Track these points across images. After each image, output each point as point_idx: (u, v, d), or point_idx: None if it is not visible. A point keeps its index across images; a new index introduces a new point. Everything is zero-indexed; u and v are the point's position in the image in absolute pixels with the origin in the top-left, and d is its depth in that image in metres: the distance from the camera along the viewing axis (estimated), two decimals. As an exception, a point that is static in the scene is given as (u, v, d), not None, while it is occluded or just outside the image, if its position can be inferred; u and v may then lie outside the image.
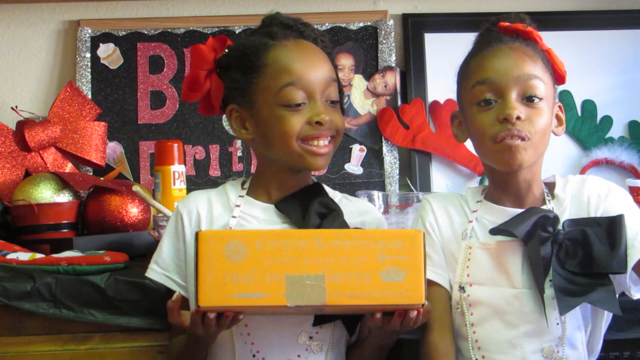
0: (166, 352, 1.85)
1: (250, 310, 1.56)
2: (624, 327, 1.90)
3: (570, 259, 1.69)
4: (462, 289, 1.74)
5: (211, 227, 1.76)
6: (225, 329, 1.60)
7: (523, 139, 1.68)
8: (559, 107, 1.79)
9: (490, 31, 1.79)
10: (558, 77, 1.78)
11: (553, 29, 2.64)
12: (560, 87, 2.60)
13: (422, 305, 1.54)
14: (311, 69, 1.72)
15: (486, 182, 1.89)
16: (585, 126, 2.64)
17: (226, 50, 1.77)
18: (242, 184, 1.82)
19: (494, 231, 1.71)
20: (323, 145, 1.72)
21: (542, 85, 1.71)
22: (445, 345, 1.74)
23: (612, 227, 1.68)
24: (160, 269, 1.78)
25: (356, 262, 1.52)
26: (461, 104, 1.81)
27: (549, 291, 1.69)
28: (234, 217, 1.75)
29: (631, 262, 1.67)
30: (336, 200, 1.79)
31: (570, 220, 1.72)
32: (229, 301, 1.51)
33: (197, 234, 1.52)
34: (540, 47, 1.76)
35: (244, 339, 1.70)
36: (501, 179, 1.77)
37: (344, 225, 1.72)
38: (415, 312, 1.57)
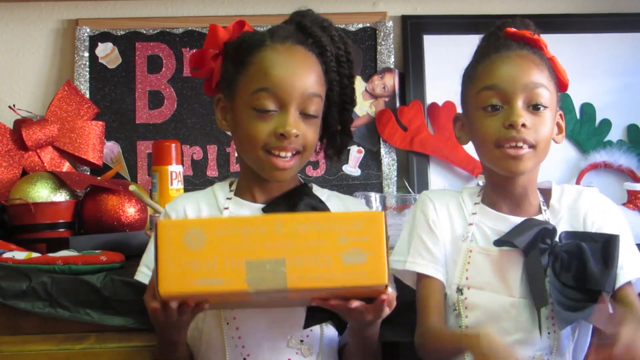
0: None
1: (213, 298, 1.53)
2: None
3: (565, 271, 1.71)
4: (459, 290, 1.74)
5: None
6: (188, 318, 1.57)
7: (529, 146, 1.71)
8: (560, 115, 1.81)
9: (497, 35, 1.80)
10: (561, 84, 1.80)
11: (553, 32, 2.62)
12: (560, 91, 2.63)
13: (385, 286, 1.50)
14: (290, 78, 1.68)
15: (480, 182, 1.90)
16: (584, 129, 2.63)
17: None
18: (230, 184, 1.82)
19: (498, 243, 1.73)
20: (284, 157, 1.70)
21: (547, 93, 1.73)
22: (443, 327, 1.75)
23: (608, 245, 1.71)
24: (150, 272, 1.76)
25: (317, 245, 1.48)
26: (466, 106, 1.82)
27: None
28: None
29: (617, 284, 1.71)
30: (324, 198, 1.79)
31: (567, 232, 1.75)
32: (189, 287, 1.48)
33: (156, 224, 1.50)
34: (545, 54, 1.78)
35: (234, 342, 1.70)
36: (499, 183, 1.78)
37: None
38: (382, 299, 1.52)
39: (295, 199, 1.75)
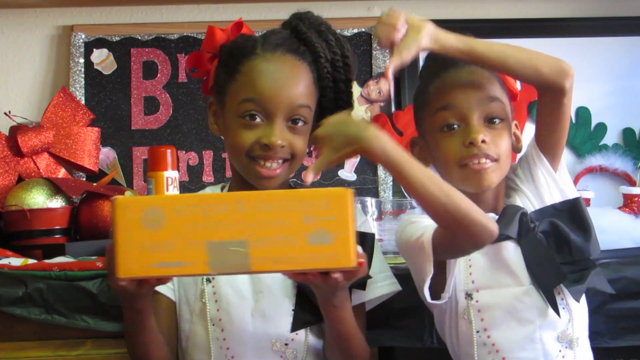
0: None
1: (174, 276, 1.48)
2: (618, 335, 1.91)
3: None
4: (469, 295, 1.71)
5: None
6: (149, 289, 1.54)
7: (491, 160, 1.70)
8: (516, 125, 1.80)
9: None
10: (511, 95, 1.79)
11: (548, 36, 2.64)
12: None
13: (353, 267, 1.43)
14: (277, 89, 1.69)
15: None
16: (580, 133, 2.64)
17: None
18: (222, 188, 1.82)
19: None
20: (270, 167, 1.71)
21: (501, 105, 1.73)
22: None
23: (574, 212, 1.71)
24: None
25: (281, 226, 1.41)
26: (422, 129, 1.80)
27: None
28: None
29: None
30: None
31: (534, 212, 1.74)
32: (149, 271, 1.43)
33: (113, 202, 1.42)
34: None
35: (219, 343, 1.71)
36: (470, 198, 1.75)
37: None
38: (361, 264, 1.46)
39: None
